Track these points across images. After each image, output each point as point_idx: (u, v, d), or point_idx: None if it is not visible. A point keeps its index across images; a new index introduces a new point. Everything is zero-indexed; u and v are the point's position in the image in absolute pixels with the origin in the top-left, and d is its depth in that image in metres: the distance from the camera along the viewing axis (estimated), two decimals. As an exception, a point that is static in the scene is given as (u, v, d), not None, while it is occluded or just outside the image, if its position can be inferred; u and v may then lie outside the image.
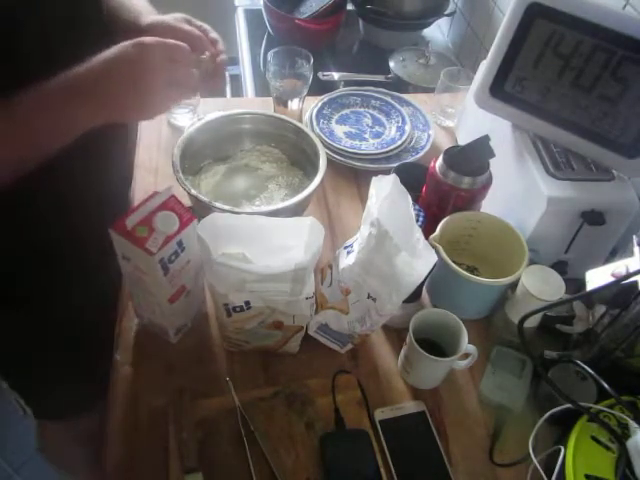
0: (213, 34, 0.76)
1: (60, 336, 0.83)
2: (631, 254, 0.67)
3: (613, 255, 0.85)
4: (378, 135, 1.11)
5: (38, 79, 0.56)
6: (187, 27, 0.74)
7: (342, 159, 1.04)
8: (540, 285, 0.72)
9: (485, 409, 0.75)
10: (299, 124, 0.91)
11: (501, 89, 0.85)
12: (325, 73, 1.36)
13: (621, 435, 0.63)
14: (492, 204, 0.86)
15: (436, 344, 0.77)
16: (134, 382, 0.73)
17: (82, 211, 0.73)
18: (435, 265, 0.67)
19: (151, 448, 0.67)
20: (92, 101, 0.60)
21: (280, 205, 0.79)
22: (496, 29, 0.84)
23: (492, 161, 0.81)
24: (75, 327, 0.84)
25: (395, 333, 0.81)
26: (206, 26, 0.76)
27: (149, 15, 0.77)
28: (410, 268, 0.65)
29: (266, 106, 1.09)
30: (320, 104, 1.12)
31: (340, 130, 1.10)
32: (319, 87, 1.23)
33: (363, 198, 1.00)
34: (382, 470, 0.66)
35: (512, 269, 0.77)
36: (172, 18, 0.76)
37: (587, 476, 0.61)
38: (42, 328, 0.81)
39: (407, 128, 1.09)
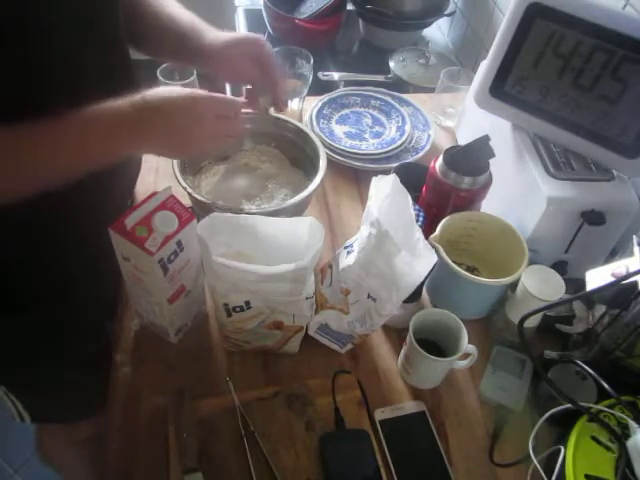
0: (276, 70, 0.78)
1: (58, 340, 0.83)
2: (631, 254, 0.67)
3: (613, 255, 0.85)
4: (378, 135, 1.11)
5: (57, 89, 0.57)
6: (249, 66, 0.77)
7: (342, 159, 1.04)
8: (540, 285, 0.72)
9: (485, 409, 0.75)
10: (299, 124, 0.91)
11: (501, 89, 0.85)
12: (325, 73, 1.36)
13: (621, 435, 0.63)
14: (492, 204, 0.86)
15: (436, 344, 0.77)
16: (134, 382, 0.73)
17: (82, 211, 0.73)
18: (435, 265, 0.67)
19: (151, 448, 0.67)
20: (132, 138, 0.62)
21: (280, 205, 0.79)
22: (496, 29, 0.84)
23: (492, 161, 0.81)
24: (74, 330, 0.83)
25: (395, 333, 0.81)
26: (272, 58, 0.78)
27: (209, 34, 0.77)
28: (410, 268, 0.65)
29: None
30: (320, 104, 1.12)
31: (340, 130, 1.10)
32: (319, 87, 1.22)
33: (363, 198, 1.01)
34: (382, 470, 0.66)
35: (512, 269, 0.76)
36: (237, 51, 0.77)
37: (587, 476, 0.61)
38: (40, 331, 0.80)
39: (407, 128, 1.09)
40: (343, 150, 1.04)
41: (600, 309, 0.72)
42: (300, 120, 1.09)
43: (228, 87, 1.61)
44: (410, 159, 1.05)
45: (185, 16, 0.79)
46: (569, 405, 0.65)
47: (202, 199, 0.78)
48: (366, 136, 1.10)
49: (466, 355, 0.73)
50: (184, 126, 0.64)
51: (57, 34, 0.59)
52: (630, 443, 0.61)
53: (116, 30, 0.70)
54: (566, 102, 0.80)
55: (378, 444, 0.69)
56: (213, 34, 0.78)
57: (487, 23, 1.38)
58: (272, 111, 0.86)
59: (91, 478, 1.11)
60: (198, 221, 0.65)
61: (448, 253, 0.77)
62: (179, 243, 0.65)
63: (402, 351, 0.76)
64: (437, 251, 0.74)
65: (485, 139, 0.79)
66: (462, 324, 0.73)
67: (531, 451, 0.64)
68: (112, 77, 0.69)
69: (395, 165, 0.94)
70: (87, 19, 0.62)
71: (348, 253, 0.70)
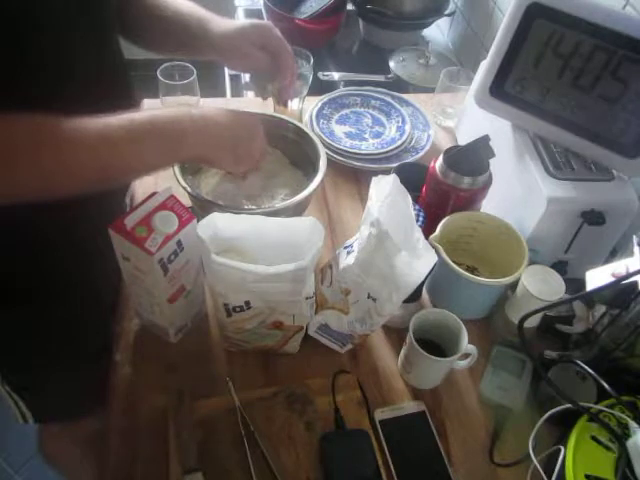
0: (285, 57, 0.79)
1: (60, 337, 0.83)
2: (631, 254, 0.67)
3: (613, 255, 0.85)
4: (378, 135, 1.11)
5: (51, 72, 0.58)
6: (259, 55, 0.78)
7: (342, 159, 1.03)
8: (540, 285, 0.72)
9: (485, 409, 0.75)
10: (299, 124, 0.91)
11: (501, 89, 0.85)
12: (325, 73, 1.36)
13: (621, 435, 0.63)
14: (492, 204, 0.86)
15: (436, 344, 0.77)
16: (134, 382, 0.73)
17: (81, 210, 0.73)
18: (435, 265, 0.67)
19: (151, 448, 0.67)
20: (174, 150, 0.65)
21: (280, 205, 0.79)
22: (496, 29, 0.84)
23: (492, 161, 0.81)
24: (75, 328, 0.84)
25: (395, 333, 0.81)
26: (281, 45, 0.79)
27: (217, 23, 0.78)
28: (410, 268, 0.65)
29: (266, 106, 1.09)
30: (320, 104, 1.12)
31: (340, 130, 1.10)
32: (319, 87, 1.23)
33: (363, 198, 1.00)
34: (382, 470, 0.66)
35: (512, 269, 0.76)
36: (246, 40, 0.77)
37: (587, 476, 0.61)
38: (42, 329, 0.81)
39: (407, 128, 1.09)
40: (343, 150, 1.04)
41: (600, 309, 0.72)
42: (300, 120, 1.09)
43: (227, 77, 1.61)
44: (410, 159, 1.05)
45: (190, 8, 0.79)
46: (569, 405, 0.65)
47: (202, 199, 0.78)
48: (366, 136, 1.10)
49: (466, 355, 0.73)
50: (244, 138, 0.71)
51: (46, 29, 0.59)
52: (630, 443, 0.61)
53: (108, 28, 0.70)
54: (566, 102, 0.80)
55: (378, 444, 0.69)
56: (221, 23, 0.78)
57: (487, 23, 1.38)
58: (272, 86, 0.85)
59: (95, 476, 1.11)
60: (198, 221, 0.65)
61: (448, 253, 0.77)
62: (179, 243, 0.65)
63: (402, 351, 0.76)
64: (437, 251, 0.74)
65: (485, 139, 0.79)
66: (462, 324, 0.73)
67: (531, 451, 0.64)
68: (102, 75, 0.69)
69: (395, 165, 0.94)
70: (78, 16, 0.62)
71: (348, 253, 0.70)
